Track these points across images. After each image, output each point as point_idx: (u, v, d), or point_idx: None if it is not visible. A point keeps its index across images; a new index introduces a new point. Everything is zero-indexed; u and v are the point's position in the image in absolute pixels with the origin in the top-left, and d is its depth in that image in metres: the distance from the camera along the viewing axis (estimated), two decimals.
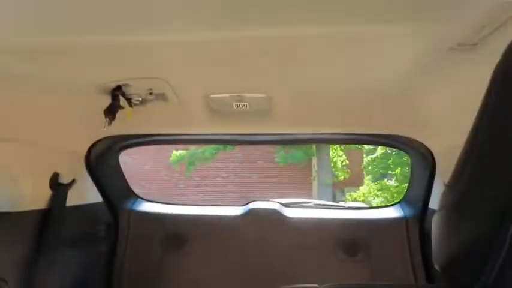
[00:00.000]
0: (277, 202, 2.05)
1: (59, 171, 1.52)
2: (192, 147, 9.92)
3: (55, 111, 1.35)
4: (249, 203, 2.01)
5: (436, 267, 0.54)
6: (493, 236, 0.44)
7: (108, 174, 1.84)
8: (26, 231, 1.45)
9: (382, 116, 1.42)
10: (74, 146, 1.60)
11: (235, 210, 1.97)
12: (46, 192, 1.49)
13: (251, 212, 1.94)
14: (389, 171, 9.65)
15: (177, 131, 1.65)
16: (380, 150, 9.69)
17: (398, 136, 1.56)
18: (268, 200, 2.06)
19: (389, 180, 9.69)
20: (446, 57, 0.92)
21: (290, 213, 1.94)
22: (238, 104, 1.35)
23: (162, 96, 1.33)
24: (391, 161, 9.38)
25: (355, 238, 1.87)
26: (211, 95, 1.31)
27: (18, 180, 1.39)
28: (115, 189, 1.91)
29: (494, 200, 0.45)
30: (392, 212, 1.90)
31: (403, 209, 1.88)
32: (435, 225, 0.55)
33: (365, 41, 0.91)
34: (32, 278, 1.43)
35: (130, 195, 2.04)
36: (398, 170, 9.17)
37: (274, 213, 1.92)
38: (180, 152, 9.96)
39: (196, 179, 10.92)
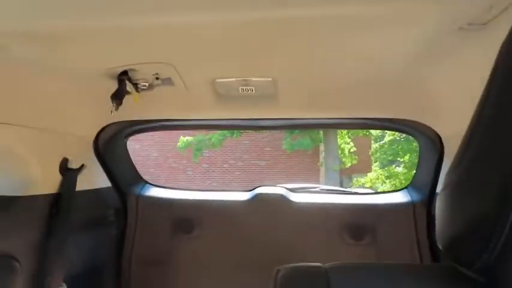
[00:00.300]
0: (284, 187, 2.06)
1: (68, 157, 1.54)
2: (199, 134, 9.96)
3: (63, 96, 1.36)
4: (255, 188, 2.02)
5: (440, 246, 0.54)
6: (496, 215, 0.44)
7: (116, 160, 1.86)
8: (38, 214, 1.48)
9: (389, 100, 1.41)
10: (83, 132, 1.62)
11: (243, 196, 1.99)
12: (56, 177, 1.52)
13: (258, 197, 1.95)
14: (398, 158, 9.61)
15: (183, 116, 1.65)
16: (388, 136, 9.64)
17: (406, 120, 1.55)
18: (275, 185, 2.07)
19: (397, 167, 9.66)
20: (455, 38, 0.91)
21: (297, 198, 1.95)
22: (244, 88, 1.35)
23: (168, 81, 1.34)
24: (399, 147, 9.33)
25: (361, 223, 1.87)
26: (217, 80, 1.31)
27: (29, 165, 1.41)
28: (123, 175, 1.93)
29: (497, 180, 0.45)
30: (400, 197, 1.90)
31: (410, 194, 1.88)
32: (439, 205, 0.55)
33: (372, 22, 0.89)
34: (44, 259, 1.47)
35: (139, 180, 2.07)
36: (407, 157, 9.13)
37: (281, 198, 1.93)
38: (187, 138, 10.01)
39: (204, 165, 11.00)
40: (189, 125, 1.82)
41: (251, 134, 10.53)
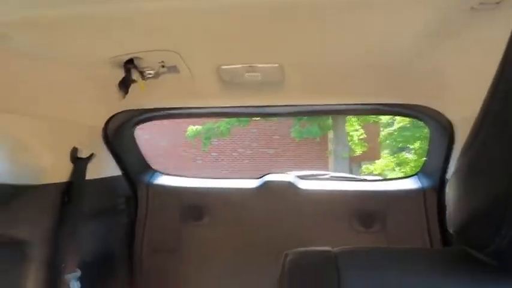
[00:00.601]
0: (293, 174, 2.05)
1: (78, 146, 1.56)
2: (208, 123, 9.97)
3: (71, 86, 1.37)
4: (264, 175, 2.02)
5: (451, 230, 0.54)
6: (508, 197, 0.43)
7: (125, 149, 1.87)
8: (50, 202, 1.50)
9: (399, 84, 1.38)
10: (92, 121, 1.63)
11: (251, 183, 1.99)
12: (66, 166, 1.53)
13: (267, 184, 1.95)
14: (408, 145, 9.51)
15: (189, 104, 1.65)
16: (398, 123, 9.53)
17: (416, 105, 1.52)
18: (283, 173, 2.06)
19: (407, 154, 9.56)
20: (467, 19, 0.88)
21: (305, 185, 1.95)
22: (250, 74, 1.33)
23: (173, 69, 1.33)
24: (409, 134, 9.22)
25: (371, 210, 1.86)
26: (222, 66, 1.30)
27: (40, 155, 1.42)
28: (133, 163, 1.95)
29: (509, 162, 0.44)
30: (410, 184, 1.88)
31: (420, 181, 1.86)
32: (450, 189, 0.54)
33: (381, 3, 0.87)
34: (57, 247, 1.50)
35: (148, 169, 2.08)
36: (417, 144, 9.03)
37: (290, 185, 1.93)
38: (196, 127, 10.04)
39: (213, 154, 11.04)
40: (195, 113, 1.82)
41: (259, 122, 10.52)
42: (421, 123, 1.75)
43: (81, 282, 1.56)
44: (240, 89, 1.45)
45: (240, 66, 1.30)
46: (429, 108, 1.50)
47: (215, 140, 10.51)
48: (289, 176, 2.00)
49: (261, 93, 1.48)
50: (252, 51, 1.22)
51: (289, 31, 1.04)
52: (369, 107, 1.64)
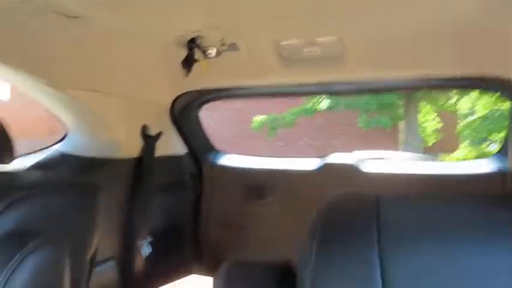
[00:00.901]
0: (357, 156, 2.00)
1: (147, 124, 1.68)
2: (272, 113, 10.02)
3: (142, 65, 1.48)
4: (327, 155, 1.99)
5: None
6: None
7: (191, 128, 1.97)
8: (123, 176, 1.65)
9: (470, 54, 1.27)
10: (160, 101, 1.74)
11: (314, 162, 1.97)
12: (137, 143, 1.66)
13: (329, 165, 1.92)
14: (490, 136, 8.67)
15: (250, 83, 1.68)
16: (478, 112, 8.73)
17: (491, 77, 1.39)
18: (348, 152, 2.01)
19: (491, 145, 8.72)
20: None
21: (369, 167, 1.89)
22: (309, 49, 1.32)
23: (233, 47, 1.37)
24: (491, 124, 8.40)
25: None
26: (281, 42, 1.31)
27: (116, 131, 1.56)
28: (198, 143, 2.05)
29: None
30: (486, 166, 1.73)
31: (498, 162, 1.70)
32: None
33: None
34: (128, 219, 1.64)
35: (212, 148, 2.17)
36: (501, 135, 8.21)
37: (352, 167, 1.88)
38: (261, 117, 10.15)
39: (279, 144, 11.11)
40: (256, 93, 1.85)
41: (325, 113, 10.32)
42: (506, 113, 1.58)
43: (152, 249, 1.69)
44: (299, 66, 1.45)
45: (298, 41, 1.30)
46: (507, 80, 1.36)
47: (280, 130, 10.54)
48: (353, 157, 1.95)
49: (321, 69, 1.46)
50: (310, 25, 1.21)
51: (348, 1, 1.02)
52: (437, 82, 1.53)
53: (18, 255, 0.62)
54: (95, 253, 1.07)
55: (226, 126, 10.87)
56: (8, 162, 0.94)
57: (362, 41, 1.28)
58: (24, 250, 0.63)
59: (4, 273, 0.60)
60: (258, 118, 10.19)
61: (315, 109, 9.84)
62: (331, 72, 1.48)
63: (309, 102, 9.74)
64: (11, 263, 0.61)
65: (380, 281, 0.55)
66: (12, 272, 0.61)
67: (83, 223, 0.91)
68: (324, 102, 9.56)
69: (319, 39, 1.27)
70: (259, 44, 1.34)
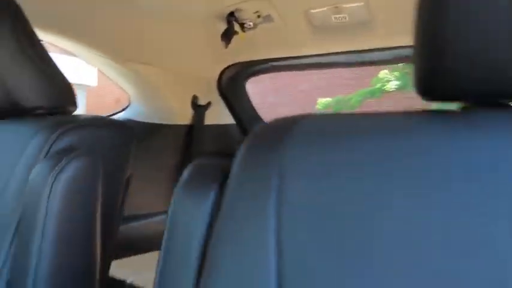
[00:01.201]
0: None
1: (197, 94, 1.87)
2: (338, 95, 9.85)
3: (185, 41, 1.65)
4: None
5: None
6: None
7: (237, 100, 2.11)
8: (177, 141, 1.87)
9: None
10: (207, 73, 1.90)
11: None
12: (189, 112, 1.86)
13: None
14: None
15: (285, 54, 1.77)
16: None
17: None
18: None
19: None
20: None
21: None
22: (337, 16, 1.38)
23: (268, 18, 1.48)
24: None
25: None
26: (311, 10, 1.38)
27: (169, 100, 1.78)
28: (244, 113, 2.19)
29: None
30: None
31: None
32: None
33: None
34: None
35: (259, 120, 2.31)
36: None
37: None
38: (326, 99, 10.04)
39: None
40: (292, 65, 1.92)
41: (393, 94, 9.86)
42: None
43: None
44: (329, 34, 1.50)
45: (326, 8, 1.36)
46: None
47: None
48: None
49: (350, 37, 1.49)
50: None
51: None
52: None
53: (64, 160, 0.82)
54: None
55: (290, 106, 10.93)
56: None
57: (390, 6, 1.29)
58: (67, 158, 0.83)
59: (52, 174, 0.81)
60: (323, 100, 10.09)
61: (383, 89, 9.45)
62: (360, 39, 1.51)
63: (376, 83, 9.40)
64: (56, 168, 0.81)
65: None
66: (57, 174, 0.81)
67: (119, 156, 1.05)
68: (392, 83, 9.14)
69: (346, 6, 1.32)
70: (291, 13, 1.42)
